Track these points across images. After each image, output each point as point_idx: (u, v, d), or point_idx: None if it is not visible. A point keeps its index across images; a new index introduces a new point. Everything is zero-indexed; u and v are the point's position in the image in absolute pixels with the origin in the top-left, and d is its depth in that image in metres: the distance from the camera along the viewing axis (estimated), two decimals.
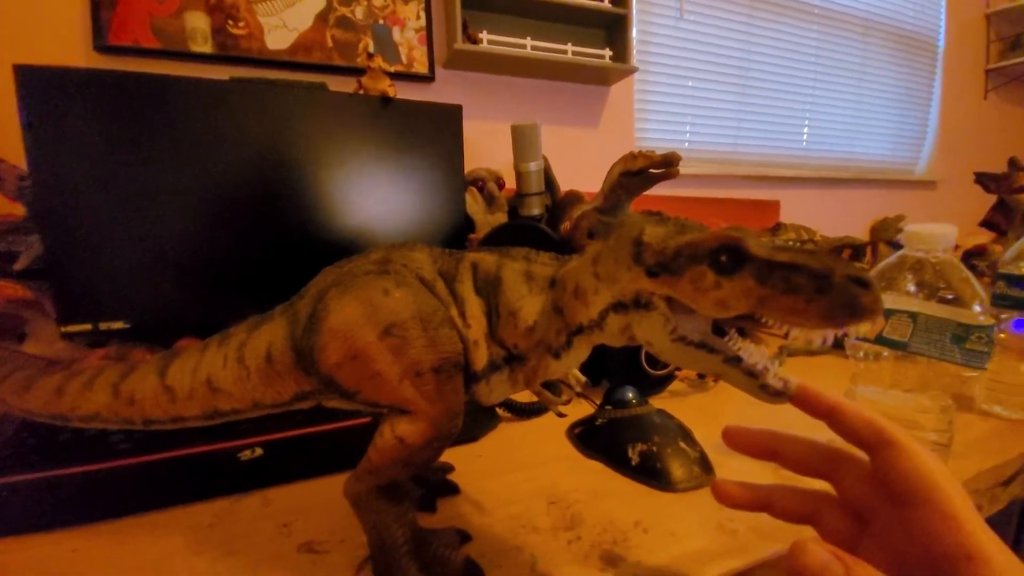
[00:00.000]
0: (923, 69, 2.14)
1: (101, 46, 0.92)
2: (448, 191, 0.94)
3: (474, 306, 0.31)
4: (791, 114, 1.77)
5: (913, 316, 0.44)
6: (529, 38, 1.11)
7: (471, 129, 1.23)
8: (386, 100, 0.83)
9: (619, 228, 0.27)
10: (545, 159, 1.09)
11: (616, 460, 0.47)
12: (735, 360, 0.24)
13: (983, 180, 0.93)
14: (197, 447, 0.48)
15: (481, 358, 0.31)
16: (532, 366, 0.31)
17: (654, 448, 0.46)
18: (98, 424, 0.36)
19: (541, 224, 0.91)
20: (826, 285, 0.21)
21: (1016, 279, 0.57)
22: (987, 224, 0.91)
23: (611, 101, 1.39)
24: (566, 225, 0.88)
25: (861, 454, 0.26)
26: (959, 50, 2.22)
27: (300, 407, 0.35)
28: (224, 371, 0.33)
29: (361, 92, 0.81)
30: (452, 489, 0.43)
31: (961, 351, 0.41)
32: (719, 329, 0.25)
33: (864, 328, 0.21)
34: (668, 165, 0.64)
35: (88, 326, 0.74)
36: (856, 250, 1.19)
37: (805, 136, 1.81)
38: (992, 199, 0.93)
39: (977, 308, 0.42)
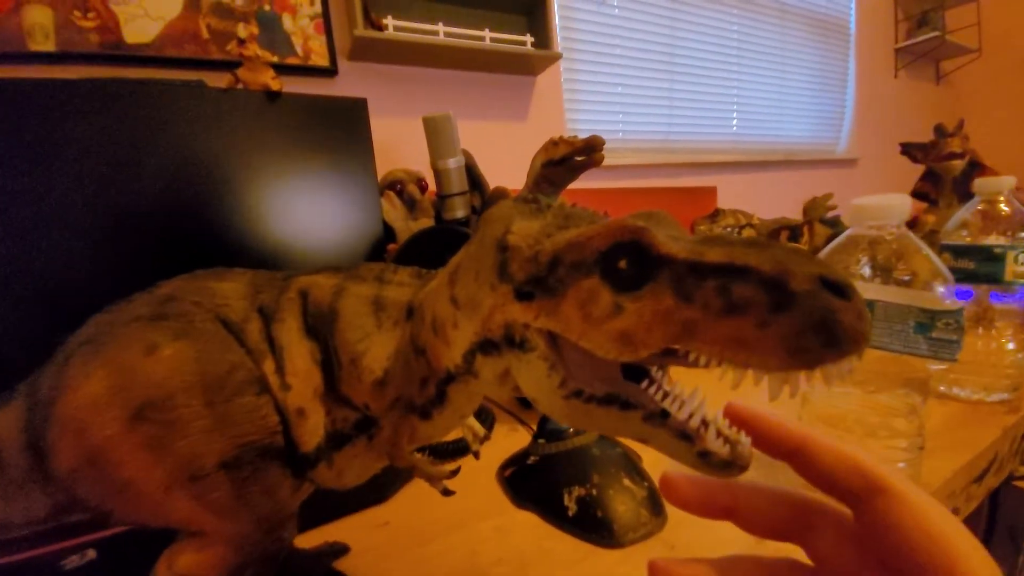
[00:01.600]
0: (837, 51, 2.22)
1: None
2: (359, 196, 0.83)
3: (300, 355, 0.21)
4: (720, 100, 1.77)
5: (871, 305, 0.38)
6: (441, 24, 1.02)
7: (384, 127, 1.12)
8: (272, 95, 0.71)
9: (482, 227, 0.18)
10: (470, 156, 0.99)
11: (551, 510, 0.39)
12: (659, 416, 0.16)
13: (910, 151, 0.92)
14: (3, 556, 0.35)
15: (312, 431, 0.21)
16: (388, 435, 0.21)
17: (593, 491, 0.38)
18: None
19: (467, 228, 0.82)
20: (785, 297, 0.13)
21: (962, 250, 0.54)
22: (917, 194, 0.90)
23: (538, 92, 1.32)
24: None
25: (841, 507, 0.18)
26: (869, 31, 2.32)
27: (80, 520, 0.24)
28: None
29: (239, 87, 0.68)
30: (339, 550, 0.33)
31: (928, 341, 0.36)
32: (633, 368, 0.17)
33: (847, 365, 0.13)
34: (591, 150, 0.57)
35: None
36: (793, 231, 1.17)
37: (735, 121, 1.82)
38: (919, 170, 0.93)
39: (941, 289, 0.36)
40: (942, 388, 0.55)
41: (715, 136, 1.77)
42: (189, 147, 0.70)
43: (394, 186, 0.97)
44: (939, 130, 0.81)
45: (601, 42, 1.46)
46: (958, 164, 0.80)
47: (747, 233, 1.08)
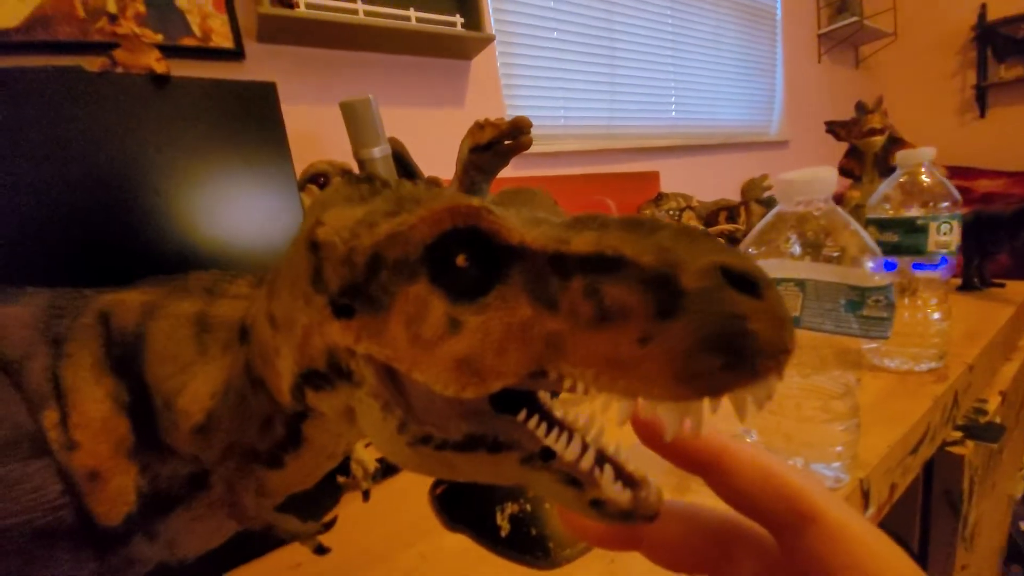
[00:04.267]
0: (766, 37, 2.29)
1: None
2: (275, 191, 0.75)
3: (94, 399, 0.16)
4: (659, 86, 1.77)
5: (801, 284, 0.36)
6: (360, 2, 0.94)
7: (303, 116, 1.03)
8: (159, 79, 0.63)
9: (304, 218, 0.14)
10: (400, 144, 0.93)
11: (483, 531, 0.35)
12: (540, 458, 0.12)
13: (833, 128, 0.94)
14: None
15: (115, 498, 0.16)
16: (218, 494, 0.16)
17: (528, 507, 0.34)
18: None
19: None
20: (672, 299, 0.09)
21: (887, 223, 0.54)
22: (842, 171, 0.92)
23: (474, 77, 1.27)
24: None
25: (763, 533, 0.15)
26: (794, 17, 2.41)
27: None
28: None
29: (118, 69, 0.59)
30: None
31: (859, 320, 0.34)
32: (504, 395, 0.13)
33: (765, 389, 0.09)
34: (519, 133, 0.53)
35: None
36: (731, 211, 1.19)
37: (673, 106, 1.84)
38: (843, 147, 0.95)
39: (870, 264, 0.35)
40: (874, 361, 0.56)
41: (656, 121, 1.77)
42: (67, 140, 0.60)
43: (316, 179, 0.89)
44: (860, 107, 0.83)
45: (538, 25, 1.42)
46: (878, 140, 0.82)
47: (686, 217, 1.08)
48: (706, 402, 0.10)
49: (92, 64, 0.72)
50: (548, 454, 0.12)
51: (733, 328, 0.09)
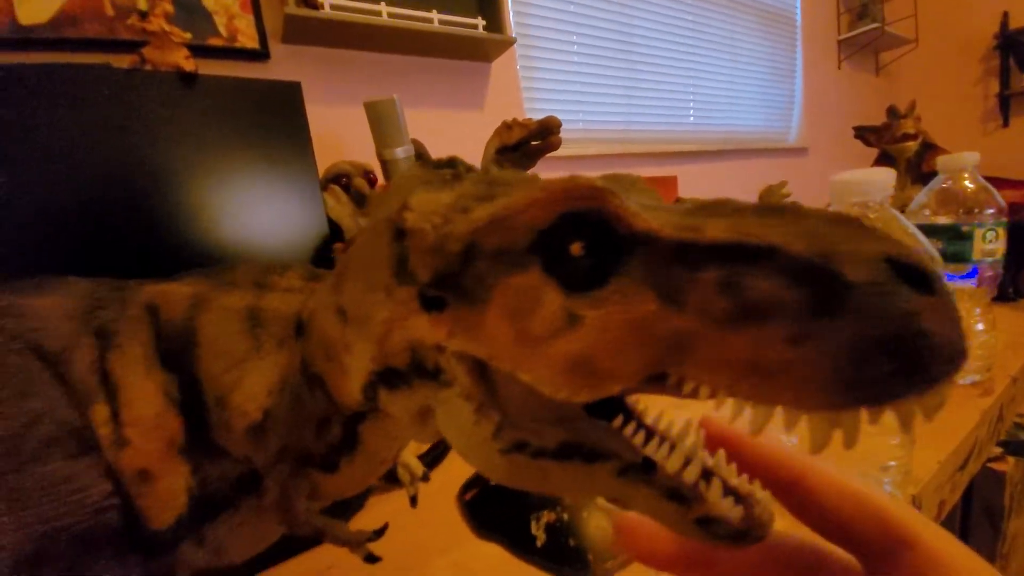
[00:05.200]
0: (785, 42, 2.26)
1: None
2: (299, 191, 0.75)
3: (145, 395, 0.15)
4: (677, 90, 1.76)
5: None
6: (384, 3, 0.94)
7: (326, 117, 1.03)
8: (186, 77, 0.63)
9: (376, 206, 0.13)
10: (421, 145, 0.93)
11: (517, 541, 0.34)
12: (640, 470, 0.11)
13: (863, 134, 0.92)
14: None
15: (166, 501, 0.15)
16: (272, 500, 0.15)
17: (564, 516, 0.33)
18: None
19: None
20: (834, 294, 0.08)
21: (931, 229, 0.52)
22: None
23: (495, 79, 1.26)
24: None
25: (848, 558, 0.14)
26: (814, 23, 2.38)
27: None
28: None
29: (147, 67, 0.59)
30: None
31: None
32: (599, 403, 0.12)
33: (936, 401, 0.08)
34: (547, 133, 0.52)
35: None
36: None
37: (692, 111, 1.82)
38: (866, 157, 0.93)
39: None
40: None
41: (674, 126, 1.76)
42: (95, 139, 0.60)
43: (339, 179, 0.89)
44: (892, 112, 0.81)
45: (558, 28, 1.41)
46: (912, 145, 0.80)
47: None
48: (863, 414, 0.08)
49: (119, 61, 0.72)
50: (649, 466, 0.11)
51: (908, 328, 0.08)
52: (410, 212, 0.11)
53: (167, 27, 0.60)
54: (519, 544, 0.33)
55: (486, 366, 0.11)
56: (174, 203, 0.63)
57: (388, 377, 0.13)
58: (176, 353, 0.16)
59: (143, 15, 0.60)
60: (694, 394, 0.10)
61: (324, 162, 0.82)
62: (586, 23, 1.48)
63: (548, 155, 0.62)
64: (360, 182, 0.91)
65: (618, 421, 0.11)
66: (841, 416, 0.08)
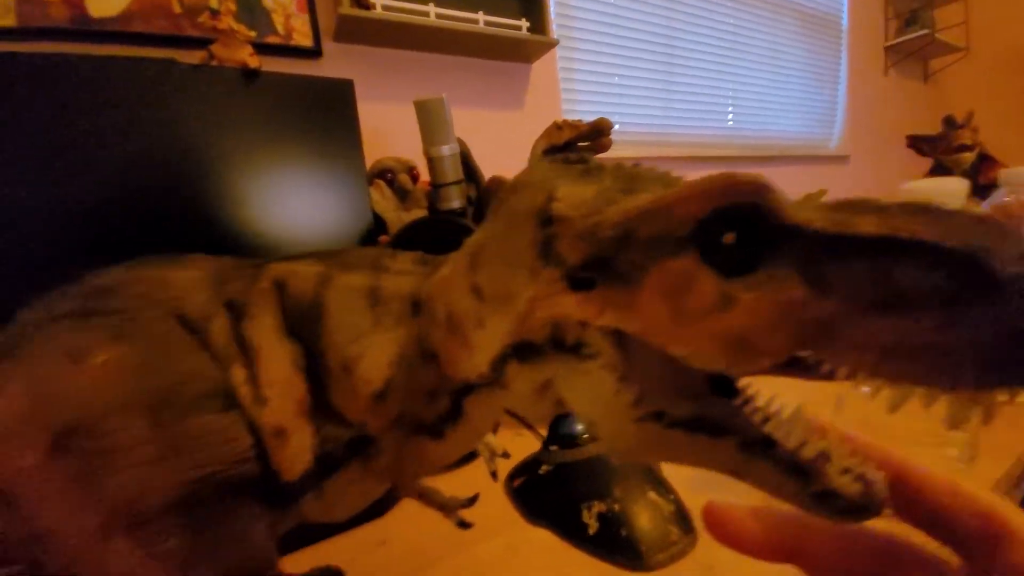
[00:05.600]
0: (830, 47, 2.21)
1: None
2: (347, 185, 0.78)
3: (278, 360, 0.17)
4: (716, 94, 1.74)
5: None
6: (432, 4, 0.96)
7: (374, 114, 1.06)
8: (249, 73, 0.66)
9: (510, 197, 0.14)
10: (464, 144, 0.95)
11: (568, 528, 0.35)
12: (761, 445, 0.12)
13: (917, 144, 0.89)
14: None
15: (296, 455, 0.17)
16: (389, 460, 0.17)
17: (616, 507, 0.34)
18: None
19: (463, 219, 0.78)
20: (986, 284, 0.09)
21: None
22: None
23: (535, 80, 1.27)
24: None
25: (939, 554, 0.14)
26: (861, 28, 2.32)
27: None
28: None
29: (213, 63, 0.62)
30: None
31: None
32: (716, 380, 0.13)
33: None
34: (599, 134, 0.53)
35: None
36: None
37: (730, 115, 1.79)
38: (910, 168, 0.91)
39: None
40: None
41: (711, 130, 1.74)
42: (158, 129, 0.64)
43: (384, 175, 0.92)
44: (949, 122, 0.79)
45: (598, 30, 1.41)
46: (968, 156, 0.77)
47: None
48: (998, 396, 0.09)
49: (183, 57, 0.76)
50: (768, 443, 0.12)
51: None
52: (558, 202, 0.13)
53: (235, 26, 0.63)
54: (570, 531, 0.34)
55: (626, 341, 0.12)
56: (229, 194, 0.67)
57: (522, 350, 0.14)
58: (301, 325, 0.17)
59: (214, 13, 0.63)
60: (829, 375, 0.10)
61: (368, 158, 0.85)
62: (627, 25, 1.48)
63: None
64: (404, 178, 0.93)
65: (739, 399, 0.12)
66: (980, 395, 0.09)
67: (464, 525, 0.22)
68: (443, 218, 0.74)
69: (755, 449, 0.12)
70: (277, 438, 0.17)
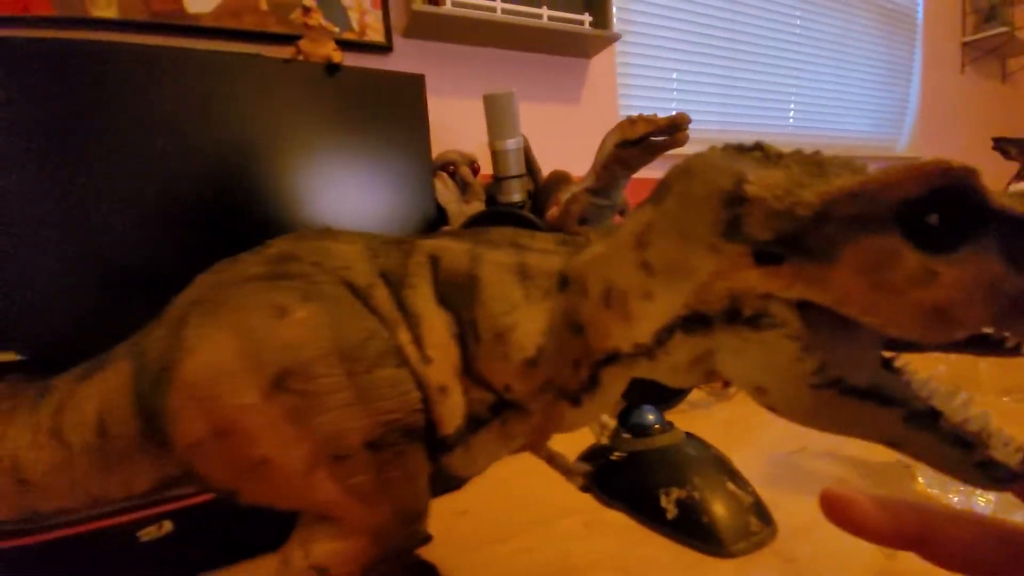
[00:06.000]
0: (903, 42, 2.09)
1: None
2: (413, 176, 0.81)
3: (437, 326, 0.19)
4: (778, 90, 1.68)
5: None
6: (499, 0, 0.98)
7: (438, 107, 1.09)
8: (332, 67, 0.69)
9: (681, 180, 0.15)
10: (525, 139, 0.96)
11: (645, 511, 0.36)
12: (926, 417, 0.13)
13: (1003, 146, 0.84)
14: (76, 525, 0.35)
15: (454, 411, 0.19)
16: (536, 422, 0.19)
17: (695, 494, 0.35)
18: None
19: (524, 211, 0.79)
20: None
21: None
22: None
23: (592, 75, 1.27)
24: (553, 211, 0.76)
25: None
26: (937, 23, 2.18)
27: (176, 494, 0.22)
28: (33, 452, 0.20)
29: (300, 58, 0.66)
30: (428, 572, 0.31)
31: None
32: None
33: None
34: (676, 129, 0.53)
35: None
36: None
37: (792, 112, 1.73)
38: (996, 165, 0.85)
39: None
40: None
41: (771, 128, 1.68)
42: (243, 120, 0.68)
43: (447, 167, 0.94)
44: None
45: (659, 24, 1.40)
46: None
47: None
48: None
49: (269, 52, 0.81)
50: (932, 415, 0.13)
51: None
52: (750, 185, 0.14)
53: (324, 23, 0.67)
54: (648, 514, 0.35)
55: (811, 310, 0.13)
56: (305, 182, 0.71)
57: (690, 321, 0.15)
58: (454, 295, 0.19)
59: (306, 10, 0.67)
60: (1014, 351, 0.11)
61: (432, 150, 0.87)
62: (688, 18, 1.46)
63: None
64: (465, 171, 0.96)
65: (900, 373, 0.13)
66: None
67: (586, 489, 0.24)
68: (505, 210, 0.76)
69: (920, 421, 0.13)
70: (441, 394, 0.19)
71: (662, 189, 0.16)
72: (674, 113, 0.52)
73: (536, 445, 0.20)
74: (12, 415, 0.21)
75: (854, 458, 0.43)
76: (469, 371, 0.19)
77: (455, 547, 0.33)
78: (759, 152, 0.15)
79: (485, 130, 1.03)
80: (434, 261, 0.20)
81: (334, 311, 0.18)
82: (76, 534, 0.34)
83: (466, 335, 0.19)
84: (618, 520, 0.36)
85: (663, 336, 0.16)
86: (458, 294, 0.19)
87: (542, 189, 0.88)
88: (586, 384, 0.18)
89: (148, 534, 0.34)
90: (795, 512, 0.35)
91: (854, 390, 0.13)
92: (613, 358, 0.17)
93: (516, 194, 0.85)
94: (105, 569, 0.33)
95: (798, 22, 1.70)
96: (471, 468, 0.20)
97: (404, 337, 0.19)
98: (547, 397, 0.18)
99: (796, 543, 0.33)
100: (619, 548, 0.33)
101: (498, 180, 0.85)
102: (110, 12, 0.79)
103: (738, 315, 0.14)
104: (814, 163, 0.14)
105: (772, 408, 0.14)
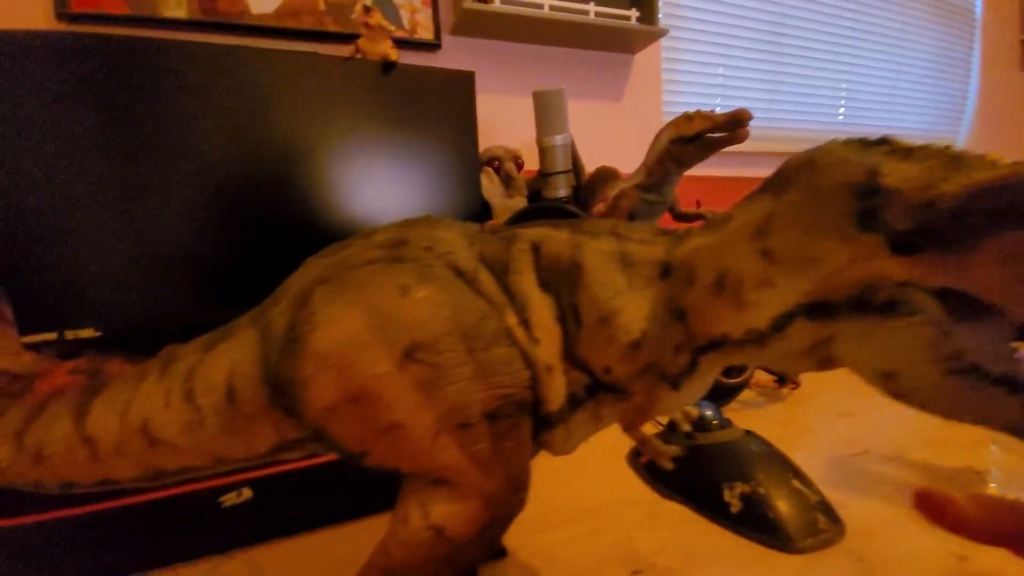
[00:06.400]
0: (962, 38, 1.99)
1: (64, 14, 0.80)
2: (461, 170, 0.83)
3: (542, 309, 0.20)
4: (827, 86, 1.62)
5: None
6: None
7: (483, 103, 1.11)
8: (388, 65, 0.72)
9: (805, 173, 0.16)
10: (571, 135, 0.97)
11: (708, 505, 0.36)
12: None
13: None
14: (164, 489, 0.37)
15: (558, 391, 0.20)
16: (639, 402, 0.19)
17: (760, 489, 0.35)
18: (3, 483, 0.26)
19: (569, 206, 0.80)
20: None
21: None
22: None
23: (636, 71, 1.26)
24: (600, 207, 0.76)
25: None
26: (995, 18, 2.06)
27: (285, 458, 0.24)
28: (166, 414, 0.22)
29: (358, 56, 0.69)
30: (496, 551, 0.32)
31: None
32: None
33: None
34: (737, 124, 0.53)
35: (53, 335, 0.64)
36: None
37: (842, 109, 1.67)
38: None
39: None
40: None
41: (820, 125, 1.63)
42: (299, 116, 0.71)
43: (492, 162, 0.96)
44: None
45: (705, 19, 1.37)
46: None
47: None
48: None
49: (326, 51, 0.83)
50: None
51: None
52: (886, 177, 0.14)
53: (384, 22, 0.69)
54: (711, 508, 0.36)
55: (950, 298, 0.13)
56: (355, 176, 0.74)
57: (814, 308, 0.15)
58: (557, 281, 0.20)
59: (367, 9, 0.69)
60: None
61: (479, 144, 0.89)
62: (736, 12, 1.42)
63: None
64: (510, 166, 0.97)
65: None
66: None
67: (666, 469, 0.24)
68: (554, 205, 0.76)
69: None
70: (547, 373, 0.20)
71: (781, 181, 0.16)
72: (735, 109, 0.52)
73: (634, 425, 0.21)
74: (140, 382, 0.23)
75: (922, 463, 0.42)
76: (568, 353, 0.20)
77: (518, 531, 0.35)
78: (887, 145, 0.15)
79: (527, 126, 1.03)
80: (535, 248, 0.21)
81: (450, 292, 0.19)
82: (166, 497, 0.37)
83: (566, 319, 0.20)
84: (679, 511, 0.37)
85: (782, 322, 0.16)
86: (560, 280, 0.20)
87: (587, 185, 0.88)
88: (685, 369, 0.19)
89: (229, 499, 0.37)
90: (863, 514, 0.35)
91: (987, 376, 0.13)
92: (717, 344, 0.18)
93: (562, 189, 0.85)
94: (191, 529, 0.36)
95: (850, 15, 1.64)
96: (566, 446, 0.21)
97: (511, 319, 0.20)
98: (648, 380, 0.19)
99: (865, 542, 0.33)
100: (682, 537, 0.33)
101: (544, 175, 0.86)
102: (181, 12, 0.83)
103: (867, 303, 0.14)
104: (950, 157, 0.14)
105: (897, 394, 0.15)
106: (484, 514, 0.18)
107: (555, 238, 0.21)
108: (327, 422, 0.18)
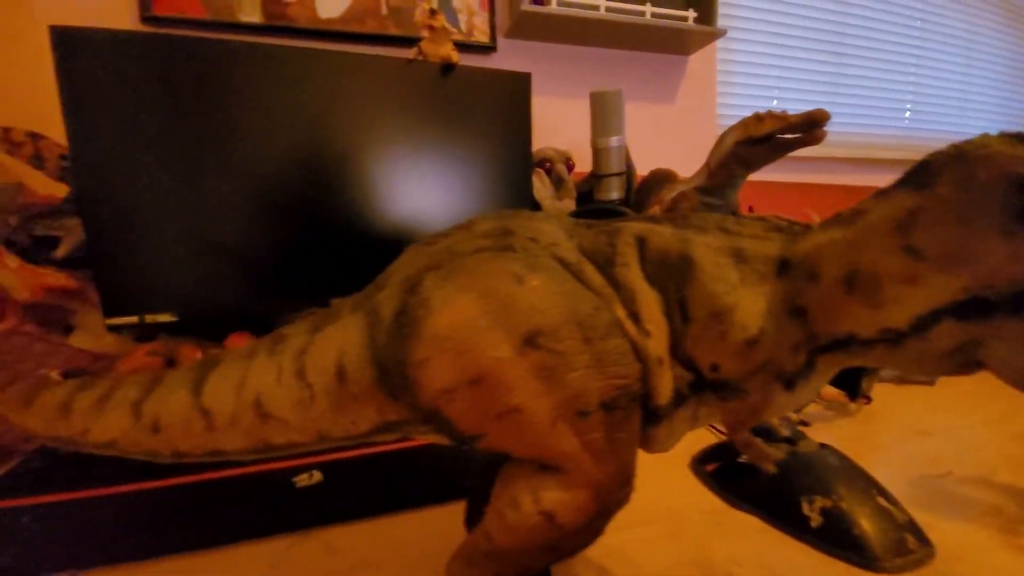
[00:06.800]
0: None
1: (148, 17, 0.86)
2: (514, 171, 0.83)
3: (651, 303, 0.20)
4: (892, 88, 1.54)
5: None
6: None
7: (535, 105, 1.12)
8: (448, 67, 0.73)
9: (955, 166, 0.15)
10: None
11: (784, 517, 0.35)
12: None
13: None
14: (241, 467, 0.39)
15: (667, 385, 0.20)
16: (753, 402, 0.19)
17: (842, 504, 0.33)
18: (116, 453, 0.28)
19: (622, 207, 0.79)
20: None
21: None
22: None
23: (690, 73, 1.24)
24: (655, 210, 0.75)
25: None
26: None
27: (380, 440, 0.25)
28: (278, 389, 0.23)
29: (420, 58, 0.70)
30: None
31: None
32: None
33: None
34: (813, 125, 0.51)
35: (134, 319, 0.68)
36: None
37: (908, 112, 1.59)
38: None
39: None
40: None
41: (884, 129, 1.55)
42: (367, 116, 0.74)
43: (543, 164, 0.96)
44: None
45: (763, 19, 1.33)
46: None
47: None
48: None
49: (387, 54, 0.85)
50: None
51: None
52: None
53: (447, 25, 0.70)
54: (788, 521, 0.35)
55: None
56: (412, 175, 0.75)
57: (965, 307, 0.15)
58: (665, 275, 0.20)
59: (433, 12, 0.71)
60: None
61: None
62: (796, 12, 1.38)
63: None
64: (561, 168, 0.97)
65: None
66: None
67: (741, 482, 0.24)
68: (610, 207, 0.76)
69: None
70: (658, 366, 0.20)
71: (925, 175, 0.16)
72: (813, 108, 0.50)
73: (743, 426, 0.20)
74: (251, 359, 0.24)
75: (1011, 486, 0.40)
76: (673, 349, 0.20)
77: None
78: None
79: (577, 128, 1.03)
80: (641, 242, 0.21)
81: (562, 282, 0.19)
82: (245, 474, 0.39)
83: (672, 313, 0.20)
84: (750, 521, 0.36)
85: (926, 321, 0.15)
86: (668, 274, 0.20)
87: (641, 187, 0.87)
88: (802, 369, 0.18)
89: (301, 481, 0.38)
90: (951, 536, 0.33)
91: None
92: (841, 344, 0.17)
93: (615, 192, 0.85)
94: (267, 507, 0.37)
95: (918, 15, 1.56)
96: (667, 442, 0.21)
97: (620, 312, 0.20)
98: (763, 379, 0.19)
99: (956, 566, 0.31)
100: (759, 548, 0.32)
101: (598, 177, 0.85)
102: (255, 17, 0.87)
103: None
104: None
105: None
106: (593, 504, 0.18)
107: (661, 232, 0.21)
108: (443, 404, 0.19)
